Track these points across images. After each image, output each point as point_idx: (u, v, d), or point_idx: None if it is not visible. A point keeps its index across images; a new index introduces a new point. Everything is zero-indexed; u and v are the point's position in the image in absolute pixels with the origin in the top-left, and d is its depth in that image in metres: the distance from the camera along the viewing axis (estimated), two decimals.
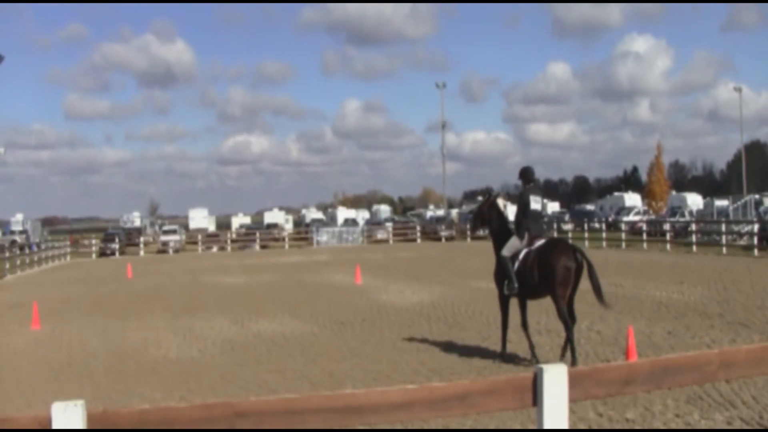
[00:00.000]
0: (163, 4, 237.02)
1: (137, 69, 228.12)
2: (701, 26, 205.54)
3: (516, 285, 9.85)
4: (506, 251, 10.06)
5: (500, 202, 10.60)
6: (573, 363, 9.33)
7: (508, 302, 10.30)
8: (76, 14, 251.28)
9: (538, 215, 10.40)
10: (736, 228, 34.78)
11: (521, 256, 9.93)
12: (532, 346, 10.12)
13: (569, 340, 9.59)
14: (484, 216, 10.76)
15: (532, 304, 10.69)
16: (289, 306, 17.31)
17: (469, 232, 11.68)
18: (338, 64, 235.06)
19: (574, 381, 3.32)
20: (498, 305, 10.55)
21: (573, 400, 3.33)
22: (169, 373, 10.36)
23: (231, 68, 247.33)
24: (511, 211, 10.89)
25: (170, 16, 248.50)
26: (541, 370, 3.29)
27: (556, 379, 3.28)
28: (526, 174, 10.42)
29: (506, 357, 10.19)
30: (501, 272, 10.22)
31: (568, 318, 9.55)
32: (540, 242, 9.98)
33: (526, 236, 10.00)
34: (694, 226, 35.92)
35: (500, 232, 10.45)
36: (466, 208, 72.72)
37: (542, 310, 13.08)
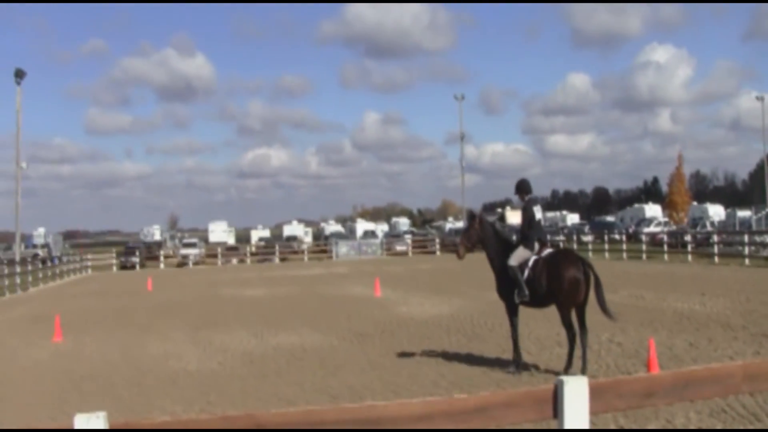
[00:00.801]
0: (182, 18, 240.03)
1: (157, 83, 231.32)
2: (723, 35, 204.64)
3: (527, 292, 9.87)
4: (513, 261, 10.06)
5: (508, 213, 10.75)
6: (567, 368, 9.63)
7: (517, 312, 10.31)
8: (97, 29, 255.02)
9: (540, 224, 10.61)
10: (758, 239, 34.38)
11: (530, 263, 9.97)
12: (518, 354, 10.27)
13: (570, 344, 9.75)
14: (474, 237, 10.48)
15: (551, 317, 10.64)
16: (308, 319, 17.33)
17: (458, 256, 11.20)
18: (357, 77, 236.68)
19: (595, 393, 3.30)
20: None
21: (594, 412, 3.30)
22: (190, 385, 10.40)
23: (250, 82, 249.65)
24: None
25: (190, 30, 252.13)
26: (561, 382, 3.27)
27: (576, 391, 3.26)
28: (523, 187, 10.42)
29: (522, 365, 10.17)
30: (505, 284, 10.21)
31: (572, 325, 9.71)
32: (548, 251, 10.08)
33: (536, 245, 10.10)
34: (715, 237, 35.56)
35: (500, 247, 10.39)
36: None
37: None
